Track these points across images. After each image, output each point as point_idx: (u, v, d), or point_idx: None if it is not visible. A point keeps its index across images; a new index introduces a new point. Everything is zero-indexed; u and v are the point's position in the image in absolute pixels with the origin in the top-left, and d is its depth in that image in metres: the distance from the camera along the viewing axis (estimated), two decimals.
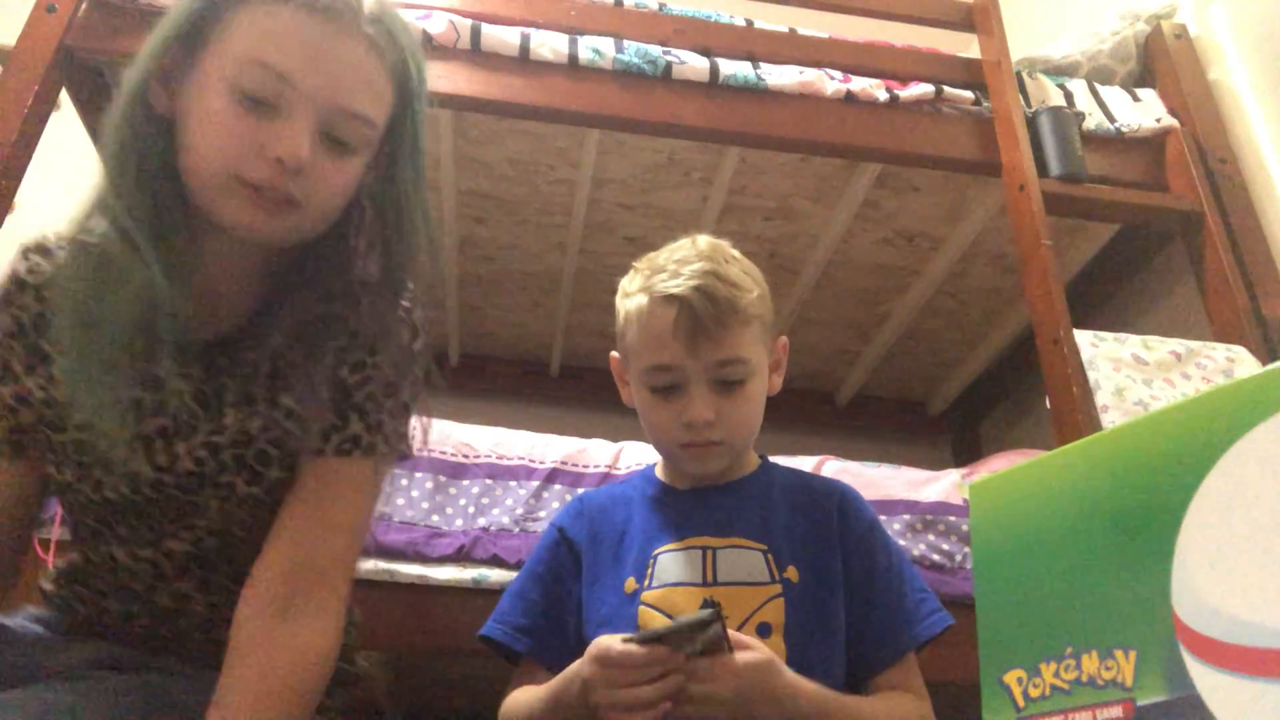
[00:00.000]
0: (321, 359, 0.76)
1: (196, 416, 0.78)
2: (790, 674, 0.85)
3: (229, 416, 0.78)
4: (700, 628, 0.77)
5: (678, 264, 0.98)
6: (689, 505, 1.03)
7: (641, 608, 0.96)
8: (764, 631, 0.93)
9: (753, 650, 0.84)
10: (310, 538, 0.76)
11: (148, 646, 0.87)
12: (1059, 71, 2.06)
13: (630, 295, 1.03)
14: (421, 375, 0.84)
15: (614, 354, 1.09)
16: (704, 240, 1.04)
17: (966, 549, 1.45)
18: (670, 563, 0.98)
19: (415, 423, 0.87)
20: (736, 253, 1.05)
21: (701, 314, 0.94)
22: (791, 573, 0.96)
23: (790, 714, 0.84)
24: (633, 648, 0.80)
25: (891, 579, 1.00)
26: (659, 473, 1.10)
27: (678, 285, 0.96)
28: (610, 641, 0.82)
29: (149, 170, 0.74)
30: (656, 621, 0.93)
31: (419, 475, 1.39)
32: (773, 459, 1.13)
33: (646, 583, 0.98)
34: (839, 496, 1.05)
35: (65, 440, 0.79)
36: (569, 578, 1.04)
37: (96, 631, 0.88)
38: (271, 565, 0.75)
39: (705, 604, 0.77)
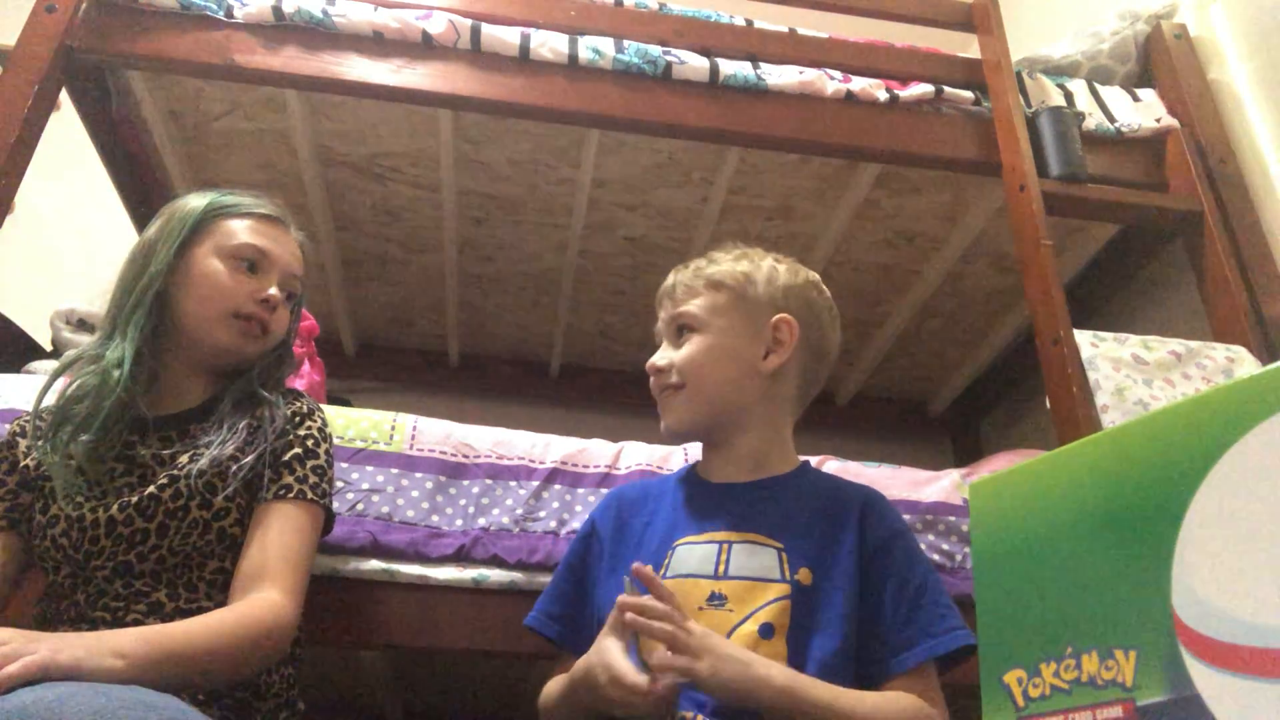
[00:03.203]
0: (238, 430, 1.07)
1: (160, 464, 1.05)
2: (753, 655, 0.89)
3: (181, 467, 1.03)
4: None
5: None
6: (715, 499, 1.06)
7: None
8: (766, 633, 0.92)
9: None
10: (258, 551, 1.00)
11: None
12: (1059, 71, 2.06)
13: None
14: (320, 438, 1.13)
15: None
16: (760, 250, 1.16)
17: (966, 549, 1.45)
18: (687, 554, 1.00)
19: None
20: (772, 258, 1.15)
21: (674, 277, 1.14)
22: (804, 575, 0.96)
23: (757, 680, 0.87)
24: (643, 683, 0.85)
25: (909, 590, 0.98)
26: (697, 468, 1.14)
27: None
28: (621, 670, 0.87)
29: (144, 314, 1.08)
30: None
31: (419, 475, 1.39)
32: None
33: (663, 572, 0.99)
34: (862, 502, 1.06)
35: (54, 513, 1.02)
36: (595, 566, 1.09)
37: None
38: (236, 577, 1.00)
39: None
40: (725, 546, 0.99)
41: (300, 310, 1.24)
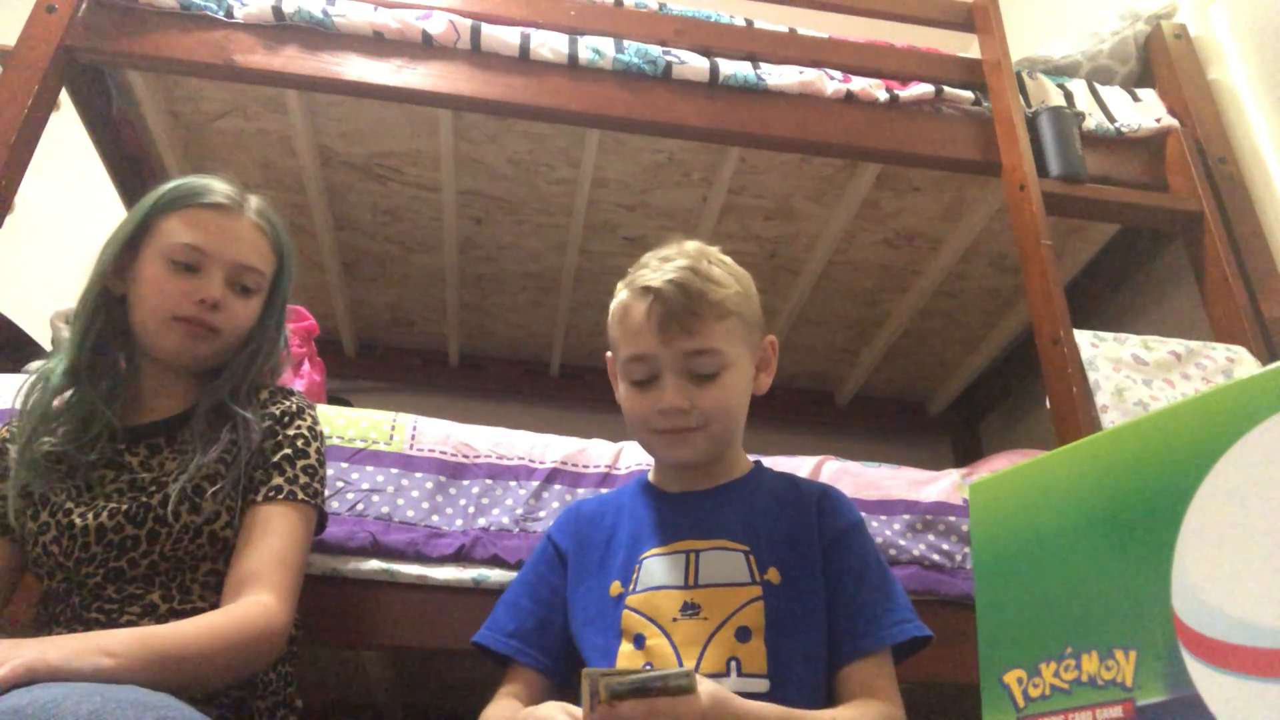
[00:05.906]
0: (220, 436, 1.05)
1: (148, 471, 1.05)
2: (746, 702, 0.83)
3: (169, 473, 1.03)
4: (676, 679, 0.74)
5: (661, 260, 1.02)
6: (676, 508, 1.04)
7: (625, 611, 0.97)
8: (743, 636, 0.93)
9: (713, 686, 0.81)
10: (250, 554, 0.99)
11: None
12: (1059, 71, 2.06)
13: (617, 295, 1.06)
14: (309, 436, 1.11)
15: (608, 354, 1.10)
16: (692, 243, 1.06)
17: (966, 549, 1.45)
18: (655, 566, 0.99)
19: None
20: (726, 258, 1.06)
21: (673, 303, 0.97)
22: (773, 574, 0.96)
23: None
24: None
25: (864, 581, 0.99)
26: (651, 477, 1.11)
27: (655, 278, 0.99)
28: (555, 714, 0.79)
29: (101, 329, 1.08)
30: (639, 628, 0.95)
31: (419, 475, 1.39)
32: (770, 460, 1.13)
33: (631, 586, 0.98)
34: (819, 496, 1.06)
35: (45, 520, 1.02)
36: (557, 581, 1.06)
37: None
38: (228, 579, 0.99)
39: (683, 673, 0.75)
40: (693, 555, 0.98)
41: (282, 300, 1.17)
